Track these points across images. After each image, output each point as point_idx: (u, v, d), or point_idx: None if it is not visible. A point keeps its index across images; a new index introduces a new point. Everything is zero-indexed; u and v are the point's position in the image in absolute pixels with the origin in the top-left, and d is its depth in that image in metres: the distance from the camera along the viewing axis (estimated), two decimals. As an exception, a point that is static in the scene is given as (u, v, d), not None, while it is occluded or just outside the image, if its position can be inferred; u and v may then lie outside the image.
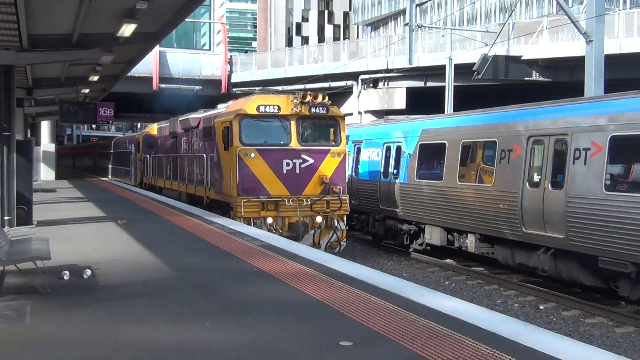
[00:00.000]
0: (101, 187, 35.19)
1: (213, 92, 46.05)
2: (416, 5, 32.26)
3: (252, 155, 16.20)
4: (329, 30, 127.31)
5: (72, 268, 9.51)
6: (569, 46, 32.21)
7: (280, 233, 15.66)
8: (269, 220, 16.11)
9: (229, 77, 47.14)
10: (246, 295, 8.12)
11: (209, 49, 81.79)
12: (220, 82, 46.71)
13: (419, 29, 35.04)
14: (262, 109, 16.32)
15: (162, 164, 28.12)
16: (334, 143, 17.10)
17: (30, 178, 16.33)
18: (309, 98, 16.33)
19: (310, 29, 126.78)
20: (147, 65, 41.99)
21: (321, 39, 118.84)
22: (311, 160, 16.52)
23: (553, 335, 6.26)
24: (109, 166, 49.11)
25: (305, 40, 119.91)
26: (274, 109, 16.38)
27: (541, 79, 35.05)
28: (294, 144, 16.55)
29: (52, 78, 23.44)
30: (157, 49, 40.04)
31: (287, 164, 16.34)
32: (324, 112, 16.83)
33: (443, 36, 38.67)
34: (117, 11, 13.36)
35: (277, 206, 16.21)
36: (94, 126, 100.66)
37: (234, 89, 46.06)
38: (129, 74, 28.12)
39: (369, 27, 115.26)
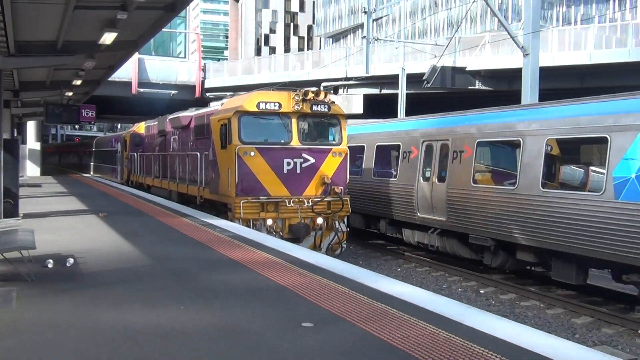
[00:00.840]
0: (84, 182, 34.64)
1: (188, 96, 45.77)
2: (373, 20, 32.36)
3: (252, 154, 14.31)
4: (294, 41, 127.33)
5: (55, 257, 9.35)
6: (508, 59, 32.69)
7: (281, 235, 14.05)
8: (269, 221, 14.27)
9: (203, 82, 46.93)
10: (217, 281, 8.08)
11: (185, 57, 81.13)
12: (195, 87, 46.45)
13: (375, 41, 35.27)
14: (262, 105, 14.46)
15: (151, 162, 25.63)
16: (335, 142, 15.31)
17: (17, 174, 16.13)
18: (310, 95, 14.67)
19: (277, 40, 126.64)
20: (127, 71, 41.54)
21: (287, 49, 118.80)
22: (312, 160, 14.74)
23: (491, 316, 6.36)
24: (91, 164, 48.26)
25: (272, 50, 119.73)
26: (274, 106, 14.52)
27: (483, 87, 35.53)
28: (295, 142, 14.71)
29: (37, 81, 23.03)
30: (136, 55, 39.63)
31: (288, 164, 14.53)
32: (326, 110, 15.05)
33: (397, 48, 39.01)
34: (99, 21, 13.17)
35: (278, 207, 14.40)
36: (77, 126, 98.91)
37: (207, 94, 45.87)
38: (110, 79, 27.67)
39: (330, 39, 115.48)
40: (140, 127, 29.53)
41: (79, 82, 22.82)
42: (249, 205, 14.12)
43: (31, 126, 46.72)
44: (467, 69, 34.19)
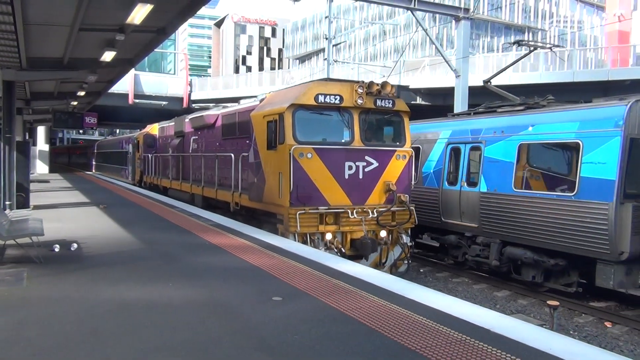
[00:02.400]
0: (87, 179, 33.85)
1: (177, 106, 45.10)
2: (333, 45, 32.37)
3: (309, 155, 10.42)
4: (267, 62, 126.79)
5: (61, 242, 9.13)
6: (443, 79, 33.06)
7: (343, 253, 10.34)
8: (328, 236, 10.43)
9: (190, 95, 46.32)
10: (199, 262, 7.98)
11: (174, 73, 79.99)
12: (183, 99, 45.80)
13: (335, 63, 35.24)
14: (321, 98, 10.60)
15: (168, 163, 20.98)
16: (398, 143, 11.45)
17: (28, 171, 15.89)
18: (375, 88, 11.03)
19: (253, 60, 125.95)
20: (124, 84, 40.74)
21: (261, 68, 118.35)
22: (376, 163, 10.97)
23: (428, 291, 6.43)
24: (94, 163, 46.66)
25: (249, 69, 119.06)
26: (335, 99, 10.74)
27: (423, 102, 35.86)
28: (357, 142, 10.88)
29: (46, 92, 22.48)
30: (132, 71, 38.90)
31: (350, 168, 10.76)
32: (390, 105, 11.26)
33: (352, 69, 39.14)
34: (100, 41, 12.90)
35: (338, 219, 10.56)
36: (80, 131, 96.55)
37: (194, 105, 45.26)
38: (109, 91, 27.09)
39: (297, 61, 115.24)
40: (154, 129, 25.25)
41: (82, 93, 22.34)
42: (306, 217, 10.26)
43: (41, 130, 45.55)
44: (409, 87, 34.58)
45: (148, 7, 9.44)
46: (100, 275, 7.09)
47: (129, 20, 10.37)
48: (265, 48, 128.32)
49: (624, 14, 53.31)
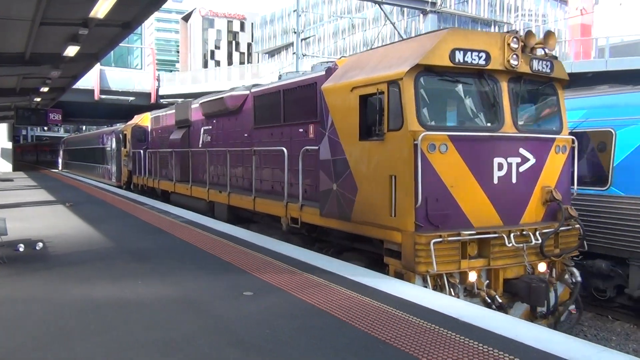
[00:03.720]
0: (53, 177, 33.10)
1: (144, 102, 44.40)
2: (301, 40, 32.31)
3: (444, 148, 6.57)
4: (236, 56, 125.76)
5: (26, 242, 8.90)
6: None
7: (500, 304, 6.56)
8: (472, 276, 6.59)
9: (157, 90, 45.68)
10: (170, 259, 7.90)
11: (141, 68, 78.67)
12: (150, 94, 45.13)
13: (304, 57, 35.20)
14: (459, 57, 6.68)
15: (168, 161, 16.88)
16: (554, 128, 7.70)
17: (-10, 170, 15.31)
18: (535, 41, 7.14)
19: (221, 55, 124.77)
20: (90, 80, 39.93)
21: (230, 62, 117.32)
22: (532, 159, 7.11)
23: (399, 282, 6.48)
24: (70, 162, 44.41)
25: (218, 63, 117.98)
26: (479, 58, 6.78)
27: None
28: (509, 128, 7.01)
29: (8, 88, 21.82)
30: (98, 66, 38.11)
31: (500, 167, 6.86)
32: (548, 70, 7.40)
33: (321, 64, 39.08)
34: (63, 36, 12.59)
35: (486, 248, 6.67)
36: (45, 128, 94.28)
37: (161, 100, 44.66)
38: (74, 86, 26.48)
39: (267, 55, 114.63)
40: (144, 119, 21.33)
41: (46, 89, 21.78)
42: (444, 247, 6.40)
43: (3, 128, 44.28)
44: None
45: (112, 1, 9.26)
46: (68, 274, 6.96)
47: (92, 14, 10.16)
48: (234, 42, 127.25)
49: (585, 7, 54.55)
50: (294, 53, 27.96)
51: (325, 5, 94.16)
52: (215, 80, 45.53)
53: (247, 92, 12.07)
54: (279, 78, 11.65)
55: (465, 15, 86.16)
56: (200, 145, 14.69)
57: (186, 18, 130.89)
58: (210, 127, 14.09)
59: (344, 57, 9.60)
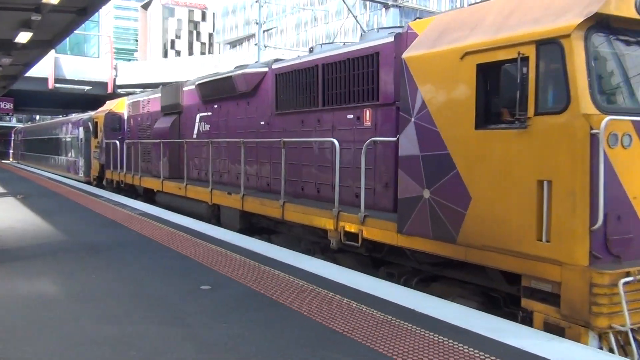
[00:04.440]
0: (3, 168, 31.92)
1: (101, 92, 43.24)
2: (263, 31, 32.04)
3: (627, 141, 4.58)
4: (197, 46, 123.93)
5: (-26, 235, 8.58)
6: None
7: None
8: None
9: (115, 80, 44.57)
10: (125, 252, 7.74)
11: (98, 57, 76.61)
12: (107, 84, 43.99)
13: (265, 48, 34.94)
14: None
15: (151, 154, 14.99)
16: None
17: None
18: None
19: (182, 45, 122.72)
20: (44, 68, 38.52)
21: (191, 53, 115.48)
22: None
23: (355, 274, 6.51)
24: (27, 153, 41.98)
25: (178, 53, 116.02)
26: None
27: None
28: None
29: (-45, 75, 20.89)
30: (53, 54, 36.93)
31: None
32: None
33: (283, 55, 38.88)
34: (14, 21, 12.07)
35: None
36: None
37: (119, 90, 43.61)
38: (27, 74, 25.53)
39: (228, 46, 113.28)
40: (119, 105, 18.80)
41: (-4, 76, 20.94)
42: (634, 290, 4.41)
43: (-50, 117, 42.43)
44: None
45: (65, -14, 8.94)
46: (17, 269, 6.72)
47: (45, -1, 9.79)
48: (195, 32, 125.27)
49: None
50: (255, 44, 27.71)
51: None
52: (176, 70, 44.72)
53: (266, 68, 9.91)
54: (311, 51, 9.44)
55: (427, 10, 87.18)
56: (194, 136, 12.75)
57: (146, 6, 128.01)
58: (210, 113, 12.00)
59: (419, 18, 7.50)
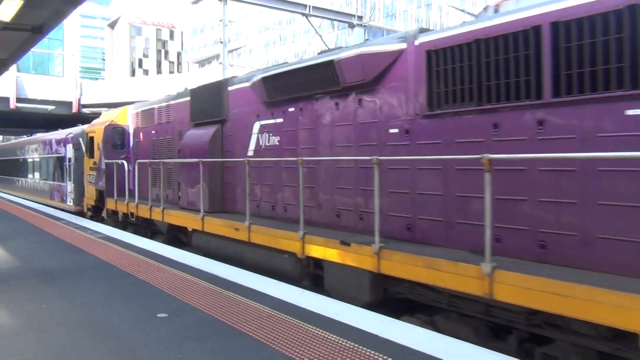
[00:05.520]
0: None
1: (65, 111, 42.36)
2: (232, 50, 32.04)
3: None
4: (165, 65, 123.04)
5: None
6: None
7: None
8: None
9: (79, 99, 43.70)
10: (81, 279, 7.36)
11: (63, 76, 75.27)
12: (72, 103, 43.09)
13: (231, 66, 34.84)
14: None
15: (179, 178, 11.25)
16: None
17: None
18: None
19: (150, 63, 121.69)
20: (5, 87, 37.69)
21: (159, 72, 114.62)
22: None
23: (320, 298, 6.33)
24: None
25: (146, 72, 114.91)
26: None
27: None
28: None
29: None
30: (15, 73, 36.05)
31: None
32: None
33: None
34: (-34, 39, 11.67)
35: None
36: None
37: (84, 109, 42.76)
38: (-14, 94, 24.77)
39: (197, 64, 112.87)
40: (121, 116, 14.91)
41: (-49, 96, 20.20)
42: None
43: None
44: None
45: (18, 2, 8.63)
46: (-39, 299, 6.31)
47: (-3, 16, 9.44)
48: (163, 51, 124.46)
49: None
50: (220, 63, 27.58)
51: (258, 16, 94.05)
52: (144, 90, 44.17)
53: (402, 44, 6.50)
54: (485, 10, 6.13)
55: (393, 30, 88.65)
56: (250, 153, 9.31)
57: (112, 25, 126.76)
58: (281, 120, 8.65)
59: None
